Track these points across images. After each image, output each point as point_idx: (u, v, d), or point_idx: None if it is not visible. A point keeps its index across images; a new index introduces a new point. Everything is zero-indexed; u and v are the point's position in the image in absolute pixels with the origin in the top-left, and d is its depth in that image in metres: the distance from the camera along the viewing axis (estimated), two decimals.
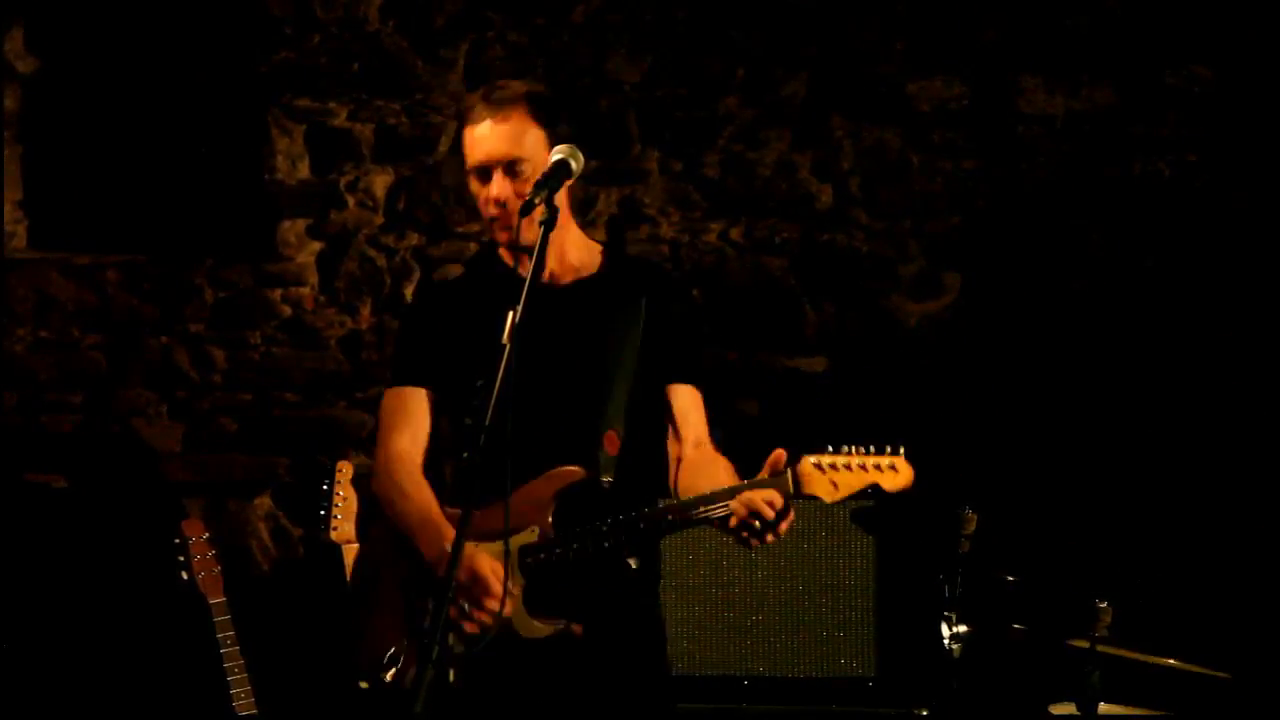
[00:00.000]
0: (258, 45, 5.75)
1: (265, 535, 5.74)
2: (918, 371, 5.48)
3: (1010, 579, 4.29)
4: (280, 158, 5.75)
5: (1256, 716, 4.53)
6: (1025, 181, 5.52)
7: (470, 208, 5.69)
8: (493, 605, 3.14)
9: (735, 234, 5.63)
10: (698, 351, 3.48)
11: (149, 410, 5.78)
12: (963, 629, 4.13)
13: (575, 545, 3.21)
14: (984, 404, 5.40)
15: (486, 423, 2.89)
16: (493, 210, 3.29)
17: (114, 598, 5.37)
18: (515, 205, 3.24)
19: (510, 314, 2.95)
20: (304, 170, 5.75)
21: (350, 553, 4.33)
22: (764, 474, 3.13)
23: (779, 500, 3.09)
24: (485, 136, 3.30)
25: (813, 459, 3.13)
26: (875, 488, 3.13)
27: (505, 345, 2.94)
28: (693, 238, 5.65)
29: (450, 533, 3.15)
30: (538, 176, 3.21)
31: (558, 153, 3.16)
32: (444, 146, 5.71)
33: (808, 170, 5.62)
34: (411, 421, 3.41)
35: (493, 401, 2.91)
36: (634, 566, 3.32)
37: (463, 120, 3.37)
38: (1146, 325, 5.40)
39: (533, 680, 3.25)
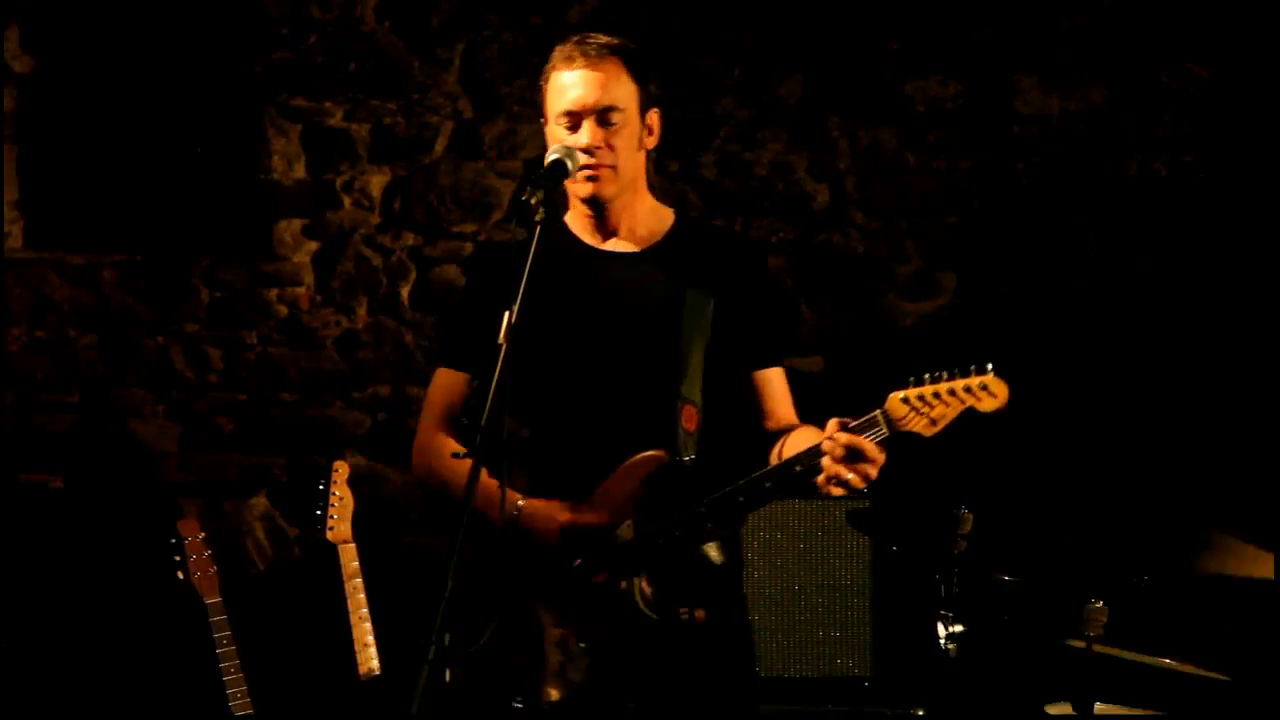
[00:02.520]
0: (254, 45, 5.75)
1: (261, 535, 5.74)
2: (914, 371, 5.47)
3: (1006, 579, 4.29)
4: (276, 157, 5.75)
5: (1253, 717, 4.53)
6: (1021, 181, 5.53)
7: (467, 206, 5.69)
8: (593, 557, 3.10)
9: None
10: (780, 328, 3.41)
11: (145, 410, 5.78)
12: (959, 629, 4.13)
13: (677, 532, 3.14)
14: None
15: (483, 422, 2.88)
16: (581, 159, 3.20)
17: (110, 598, 5.37)
18: (606, 156, 3.21)
19: (507, 314, 2.93)
20: (300, 170, 5.75)
21: (346, 553, 4.33)
22: (830, 430, 3.02)
23: (870, 445, 3.00)
24: (577, 82, 3.24)
25: (900, 394, 3.03)
26: (971, 412, 3.02)
27: (502, 345, 2.92)
28: None
29: (509, 496, 3.12)
30: (627, 130, 3.22)
31: (553, 152, 3.15)
32: (440, 146, 5.71)
33: (804, 170, 5.63)
34: (454, 405, 3.32)
35: (489, 402, 2.90)
36: (717, 555, 3.24)
37: (548, 66, 3.28)
38: (1143, 325, 5.40)
39: (656, 671, 3.18)
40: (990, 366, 3.05)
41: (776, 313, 3.38)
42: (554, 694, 3.15)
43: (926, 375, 3.05)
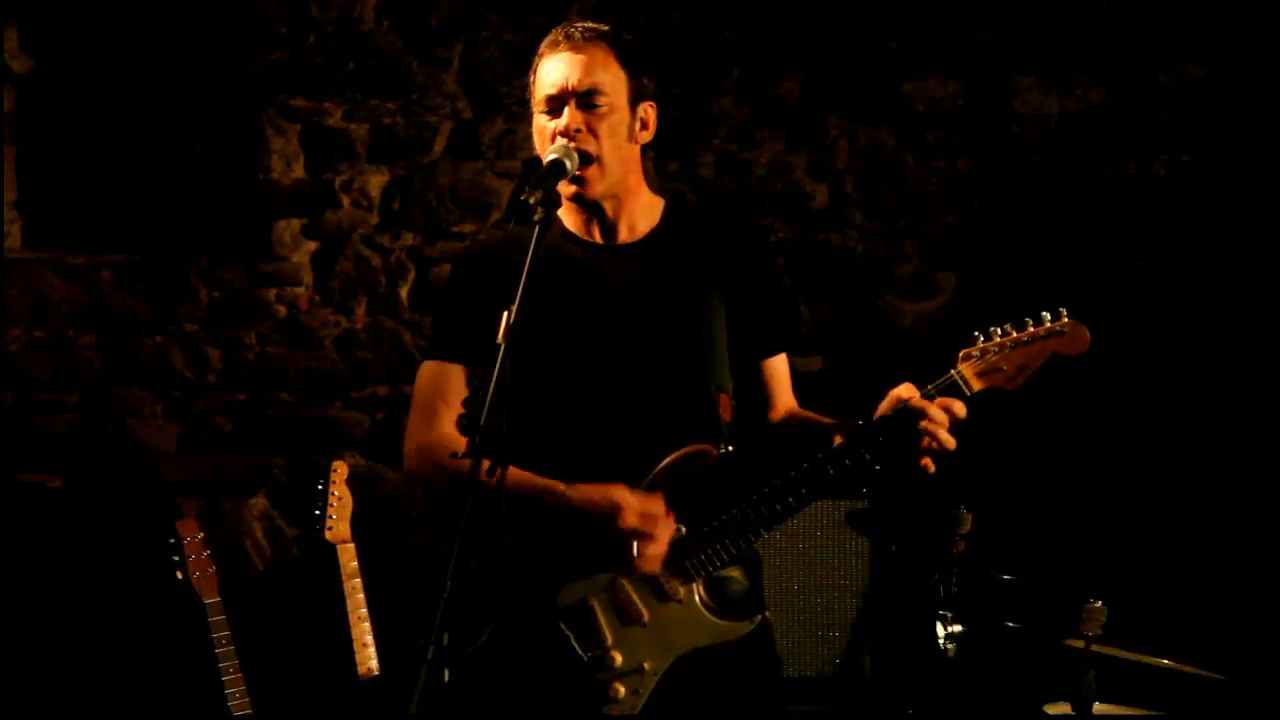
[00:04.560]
0: (253, 45, 5.75)
1: (260, 535, 5.74)
2: (913, 371, 5.47)
3: (1005, 578, 4.29)
4: (275, 157, 5.75)
5: (1252, 717, 4.53)
6: (1020, 181, 5.53)
7: (466, 205, 5.69)
8: (661, 541, 2.96)
9: None
10: (785, 313, 3.31)
11: (144, 410, 5.78)
12: (958, 628, 4.13)
13: (737, 535, 3.01)
14: (979, 403, 5.40)
15: (482, 422, 2.86)
16: (586, 141, 3.06)
17: (109, 598, 5.37)
18: (586, 141, 3.05)
19: (505, 314, 2.90)
20: (299, 170, 5.75)
21: (345, 552, 4.33)
22: (890, 403, 2.94)
23: (960, 405, 2.92)
24: (558, 66, 3.11)
25: (974, 351, 2.93)
26: (1056, 357, 2.90)
27: (501, 345, 2.89)
28: None
29: (544, 483, 2.99)
30: (615, 118, 3.07)
31: (552, 152, 3.07)
32: (439, 146, 5.71)
33: (803, 170, 5.63)
34: (451, 401, 3.15)
35: (488, 403, 2.87)
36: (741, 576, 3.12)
37: (535, 57, 3.16)
38: (1141, 324, 5.40)
39: (730, 681, 3.07)
40: (1064, 310, 2.94)
41: (781, 298, 3.28)
42: (621, 692, 3.02)
43: (993, 329, 2.95)
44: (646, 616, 3.03)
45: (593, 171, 3.10)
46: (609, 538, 3.01)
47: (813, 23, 5.57)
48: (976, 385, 2.96)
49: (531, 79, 3.19)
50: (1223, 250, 5.39)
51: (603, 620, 3.05)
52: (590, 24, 3.19)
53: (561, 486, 3.04)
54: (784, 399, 3.29)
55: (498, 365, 2.86)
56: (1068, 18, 5.49)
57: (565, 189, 3.10)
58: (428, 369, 3.21)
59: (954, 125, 5.55)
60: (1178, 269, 5.41)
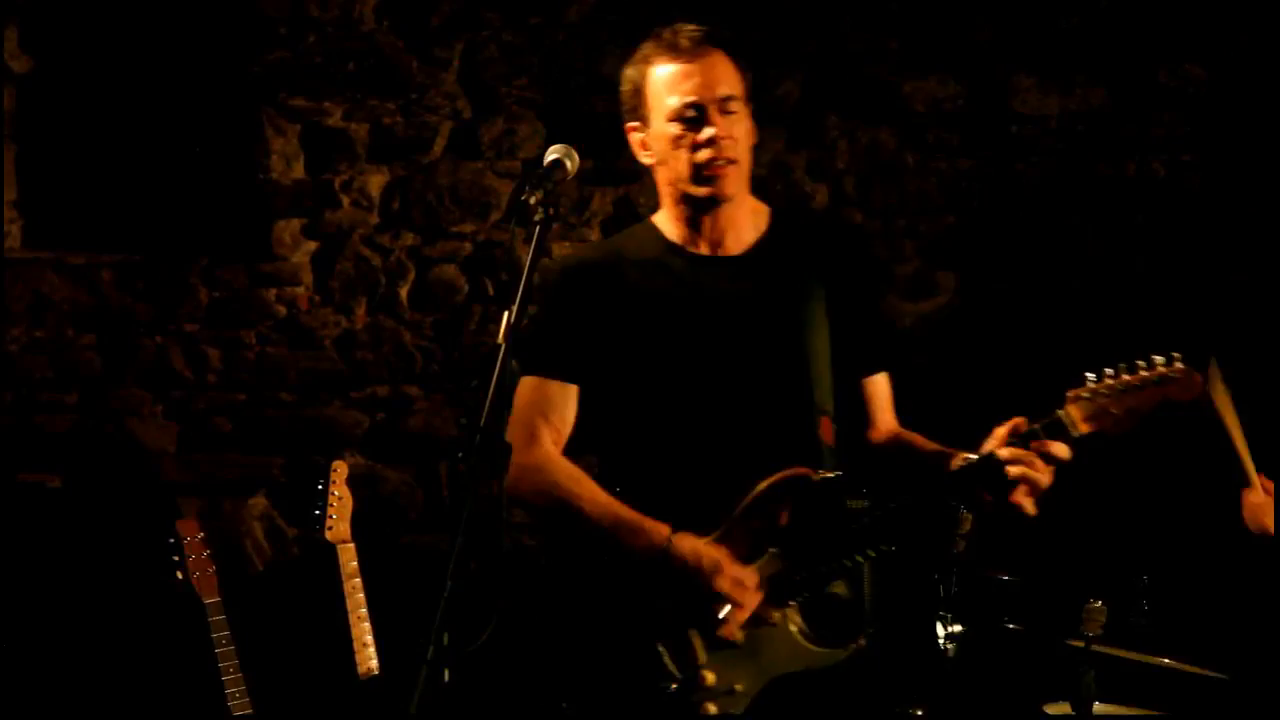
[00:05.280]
0: (252, 45, 5.74)
1: (260, 535, 5.74)
2: (913, 371, 5.47)
3: (1005, 578, 4.29)
4: (275, 157, 5.74)
5: (1252, 716, 4.53)
6: (1020, 181, 5.53)
7: (466, 205, 5.69)
8: (747, 611, 2.95)
9: None
10: (889, 328, 3.26)
11: (144, 410, 5.78)
12: (958, 628, 4.13)
13: (837, 561, 2.98)
14: (979, 403, 5.40)
15: (481, 423, 2.86)
16: (706, 153, 3.03)
17: (108, 598, 5.37)
18: (730, 148, 3.02)
19: (505, 313, 2.91)
20: (299, 170, 5.75)
21: (345, 552, 4.33)
22: (997, 441, 2.90)
23: (1063, 448, 2.89)
24: (694, 71, 3.05)
25: (1083, 393, 2.88)
26: (1166, 403, 2.85)
27: (501, 345, 2.89)
28: None
29: (650, 525, 2.95)
30: (745, 122, 3.04)
31: (552, 152, 3.05)
32: (439, 146, 5.71)
33: (802, 170, 5.62)
34: (554, 419, 3.12)
35: (487, 402, 2.87)
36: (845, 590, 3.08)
37: (642, 65, 3.09)
38: (1141, 324, 5.40)
39: (823, 708, 3.06)
40: (1175, 355, 2.87)
41: (886, 313, 3.23)
42: (712, 711, 3.00)
43: (1105, 370, 2.90)
44: (740, 639, 3.02)
45: (733, 173, 3.05)
46: (700, 593, 2.98)
47: (813, 23, 5.57)
48: (1083, 428, 2.94)
49: (642, 86, 3.11)
50: (1223, 250, 5.39)
51: (697, 641, 3.03)
52: (698, 27, 3.15)
53: (665, 531, 3.00)
54: (886, 419, 3.24)
55: (498, 365, 2.86)
56: (1068, 18, 5.48)
57: (697, 188, 3.05)
58: (528, 385, 3.14)
59: (954, 125, 5.55)
60: (1178, 269, 5.41)
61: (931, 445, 3.14)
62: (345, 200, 5.75)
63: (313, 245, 5.76)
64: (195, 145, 5.83)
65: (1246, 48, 5.39)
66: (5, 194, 5.87)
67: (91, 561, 5.40)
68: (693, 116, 3.05)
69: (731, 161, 3.06)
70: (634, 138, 3.17)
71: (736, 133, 3.06)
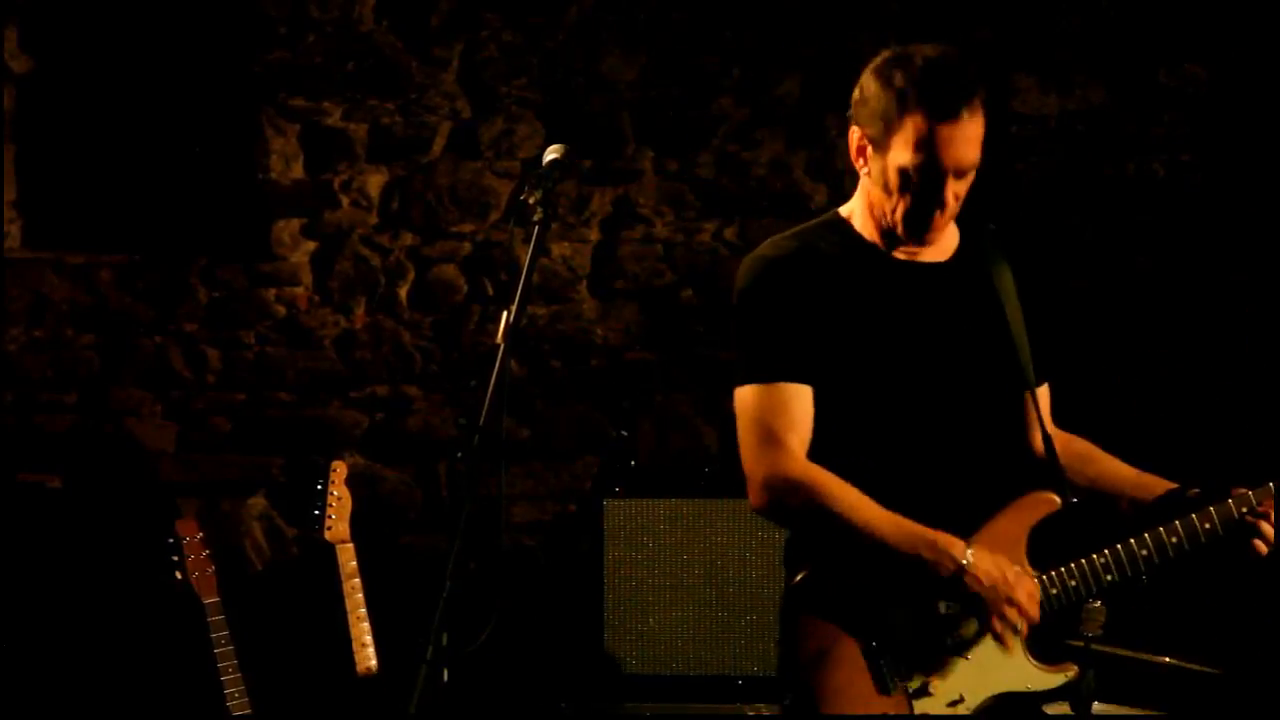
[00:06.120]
0: (252, 45, 5.74)
1: (259, 535, 5.74)
2: None
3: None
4: (274, 157, 5.74)
5: (1251, 715, 4.53)
6: (1020, 181, 5.52)
7: (465, 205, 5.69)
8: (1028, 611, 2.99)
9: (730, 234, 5.63)
10: (1052, 337, 3.27)
11: (143, 410, 5.78)
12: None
13: (1083, 587, 3.06)
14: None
15: (481, 423, 2.86)
16: (930, 212, 3.02)
17: (108, 598, 5.37)
18: (953, 209, 3.06)
19: (504, 313, 2.91)
20: (298, 170, 5.75)
21: (344, 552, 4.33)
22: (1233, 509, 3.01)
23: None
24: (971, 140, 3.09)
25: None
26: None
27: (500, 345, 2.89)
28: (687, 238, 5.64)
29: (945, 537, 2.95)
30: (971, 177, 3.05)
31: (552, 152, 3.07)
32: (438, 146, 5.71)
33: (802, 170, 5.62)
34: (797, 425, 3.03)
35: (487, 403, 2.87)
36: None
37: (915, 106, 3.03)
38: (1141, 324, 5.40)
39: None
40: None
41: (1047, 318, 3.22)
42: None
43: None
44: (969, 650, 3.05)
45: (940, 222, 3.06)
46: (996, 603, 3.00)
47: (813, 23, 5.57)
48: None
49: (890, 120, 3.03)
50: (1223, 250, 5.39)
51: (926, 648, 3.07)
52: (965, 77, 3.16)
53: (962, 544, 2.99)
54: (1046, 428, 3.22)
55: (497, 365, 2.86)
56: (1068, 18, 5.48)
57: (906, 233, 3.04)
58: (754, 393, 3.07)
59: None
60: (1178, 269, 5.41)
61: (1119, 462, 3.24)
62: (344, 200, 5.75)
63: (312, 245, 5.76)
64: (194, 145, 5.83)
65: (1246, 48, 5.39)
66: (5, 194, 5.87)
67: (91, 561, 5.40)
68: (933, 178, 3.03)
69: (948, 220, 3.06)
70: (856, 142, 3.10)
71: (964, 191, 3.09)
